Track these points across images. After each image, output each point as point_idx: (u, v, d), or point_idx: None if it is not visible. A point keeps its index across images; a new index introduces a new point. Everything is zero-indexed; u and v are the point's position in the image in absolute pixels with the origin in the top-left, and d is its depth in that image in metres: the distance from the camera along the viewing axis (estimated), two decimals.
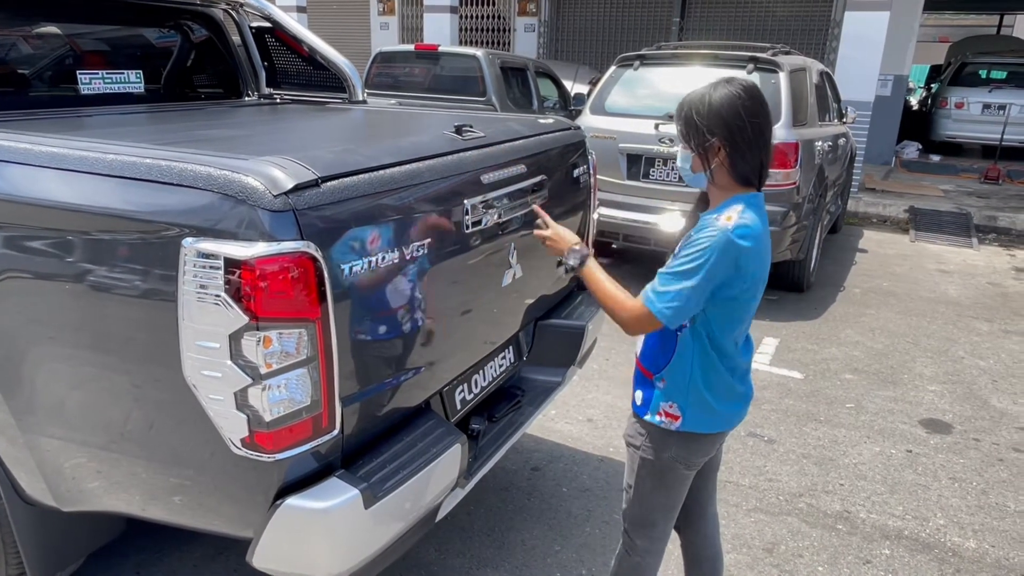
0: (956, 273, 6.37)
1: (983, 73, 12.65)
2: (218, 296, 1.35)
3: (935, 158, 11.69)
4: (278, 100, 3.41)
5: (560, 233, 1.82)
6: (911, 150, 11.85)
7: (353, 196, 1.54)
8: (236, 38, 3.42)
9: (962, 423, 3.64)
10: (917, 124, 12.99)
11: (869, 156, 9.37)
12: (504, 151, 2.14)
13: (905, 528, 2.78)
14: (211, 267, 1.35)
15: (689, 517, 1.98)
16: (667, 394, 1.70)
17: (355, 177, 1.57)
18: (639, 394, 1.76)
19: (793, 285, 5.51)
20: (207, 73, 3.42)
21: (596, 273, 1.71)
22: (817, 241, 5.70)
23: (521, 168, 2.17)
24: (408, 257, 1.67)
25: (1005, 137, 10.97)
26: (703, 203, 1.73)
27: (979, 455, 3.34)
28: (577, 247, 1.77)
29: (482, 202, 1.95)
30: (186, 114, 2.79)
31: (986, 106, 11.73)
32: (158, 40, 3.23)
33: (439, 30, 11.28)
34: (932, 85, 15.58)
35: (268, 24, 3.35)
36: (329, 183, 1.49)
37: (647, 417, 1.73)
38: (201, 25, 3.30)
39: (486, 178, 1.99)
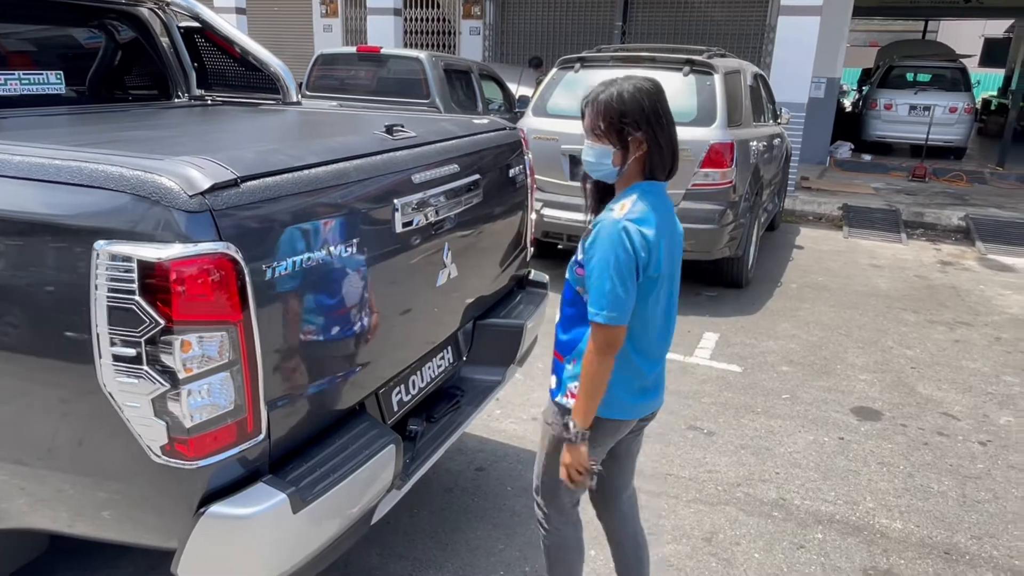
0: (886, 267, 6.64)
1: (909, 76, 13.24)
2: (133, 300, 1.31)
3: (867, 157, 12.15)
4: (209, 102, 3.33)
5: (570, 458, 1.75)
6: (844, 150, 12.29)
7: (276, 196, 1.51)
8: (165, 39, 3.32)
9: (891, 410, 3.79)
10: (850, 125, 13.50)
11: (804, 156, 9.68)
12: (436, 151, 2.14)
13: (837, 513, 2.88)
14: (124, 270, 1.31)
15: (606, 502, 2.06)
16: (574, 375, 1.76)
17: (278, 177, 1.54)
18: (553, 378, 1.85)
19: (732, 281, 5.65)
20: (135, 74, 3.31)
21: (579, 403, 1.70)
22: (755, 238, 5.86)
23: (454, 167, 2.17)
24: (335, 257, 1.65)
25: (930, 137, 11.49)
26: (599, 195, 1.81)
27: (906, 440, 3.49)
28: (570, 428, 1.73)
29: (413, 202, 1.94)
30: (109, 116, 2.70)
31: (912, 107, 12.26)
32: (83, 40, 3.12)
33: (383, 32, 11.17)
34: (863, 88, 16.19)
35: (197, 24, 3.27)
36: (250, 183, 1.47)
37: (557, 398, 1.82)
38: (127, 25, 3.20)
39: (417, 178, 1.99)
